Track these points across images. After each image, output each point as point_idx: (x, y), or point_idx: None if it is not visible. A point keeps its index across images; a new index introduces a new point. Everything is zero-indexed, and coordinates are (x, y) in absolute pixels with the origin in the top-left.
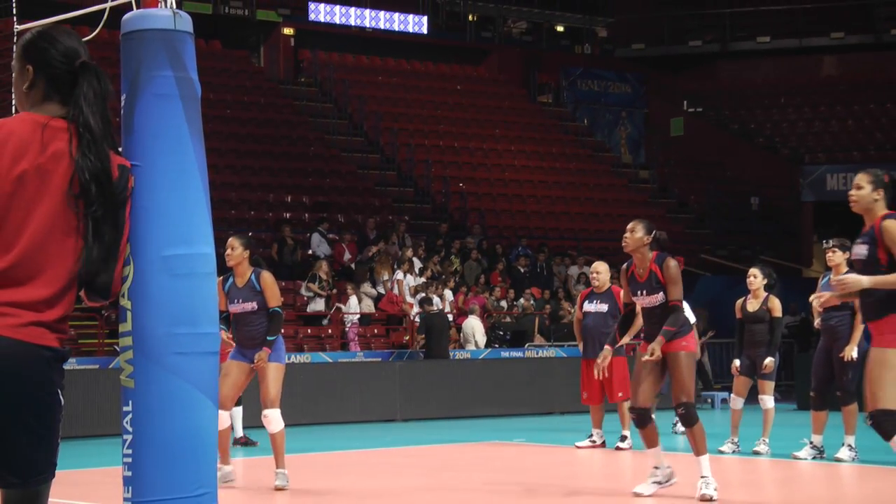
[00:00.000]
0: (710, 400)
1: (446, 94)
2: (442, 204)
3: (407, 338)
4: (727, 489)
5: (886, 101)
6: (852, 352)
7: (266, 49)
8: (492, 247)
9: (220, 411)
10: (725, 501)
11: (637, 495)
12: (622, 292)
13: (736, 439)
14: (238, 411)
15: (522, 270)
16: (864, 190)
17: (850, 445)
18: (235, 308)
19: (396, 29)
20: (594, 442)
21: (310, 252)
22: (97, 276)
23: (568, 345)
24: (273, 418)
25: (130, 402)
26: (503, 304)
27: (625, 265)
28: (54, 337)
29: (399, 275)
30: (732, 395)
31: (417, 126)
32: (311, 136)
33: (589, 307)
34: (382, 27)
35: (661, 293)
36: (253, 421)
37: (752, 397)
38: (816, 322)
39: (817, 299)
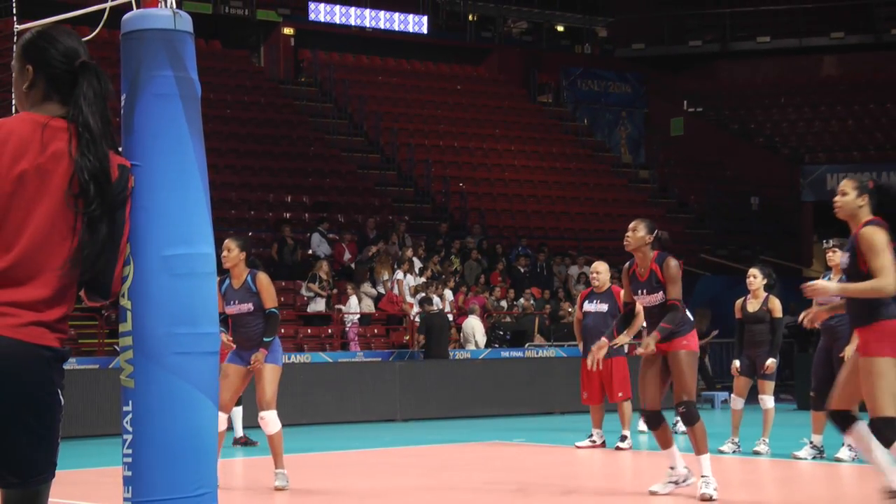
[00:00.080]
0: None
1: (446, 94)
2: (442, 204)
3: (407, 338)
4: (727, 489)
5: (886, 101)
6: (853, 352)
7: (266, 49)
8: (492, 247)
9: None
10: (725, 501)
11: (653, 493)
12: (622, 291)
13: (736, 439)
14: (238, 411)
15: (522, 270)
16: (848, 196)
17: (849, 445)
18: (232, 310)
19: (396, 29)
20: (594, 442)
21: (310, 252)
22: (95, 276)
23: (568, 345)
24: (270, 420)
25: (130, 402)
26: (503, 304)
27: (627, 264)
28: (54, 337)
29: (399, 275)
30: (733, 396)
31: (417, 126)
32: (311, 136)
33: (589, 307)
34: (382, 27)
35: (661, 292)
36: (253, 421)
37: (752, 397)
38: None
39: (807, 318)
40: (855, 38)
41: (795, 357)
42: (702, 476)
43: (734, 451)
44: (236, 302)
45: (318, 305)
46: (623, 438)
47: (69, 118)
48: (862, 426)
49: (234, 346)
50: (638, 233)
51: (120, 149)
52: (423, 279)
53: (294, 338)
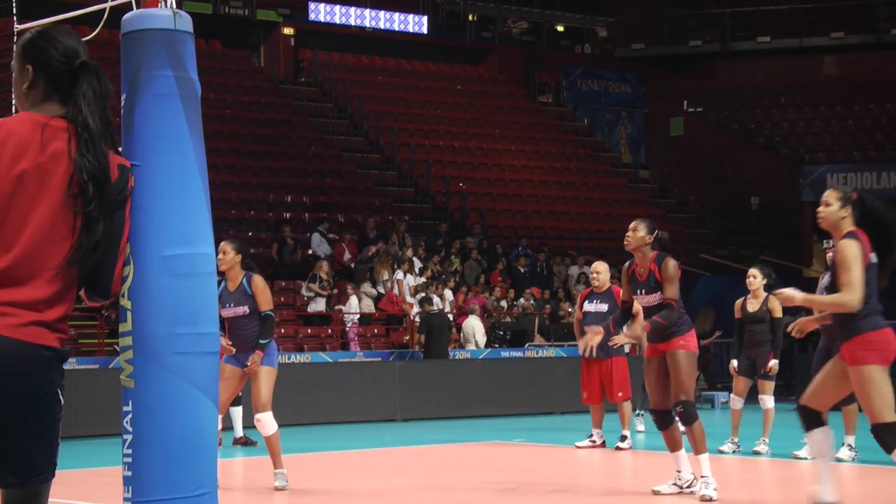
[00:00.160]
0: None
1: (446, 94)
2: (442, 204)
3: (407, 338)
4: (727, 489)
5: (886, 101)
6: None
7: (266, 49)
8: (492, 247)
9: None
10: (725, 501)
11: (656, 493)
12: (621, 290)
13: (736, 439)
14: (237, 411)
15: (522, 270)
16: (831, 207)
17: (850, 445)
18: (228, 312)
19: (396, 29)
20: (594, 442)
21: (310, 252)
22: (95, 276)
23: (568, 345)
24: (266, 422)
25: (130, 402)
26: (503, 304)
27: (626, 263)
28: (54, 337)
29: (399, 275)
30: (732, 396)
31: (417, 126)
32: (311, 136)
33: (589, 307)
34: (382, 27)
35: (660, 293)
36: (252, 421)
37: (752, 397)
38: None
39: (795, 329)
40: (855, 38)
41: (795, 357)
42: (701, 476)
43: (734, 451)
44: (232, 305)
45: (319, 305)
46: (623, 438)
47: (69, 118)
48: (821, 434)
49: (234, 349)
50: (638, 233)
51: (120, 149)
52: (423, 279)
53: (294, 338)
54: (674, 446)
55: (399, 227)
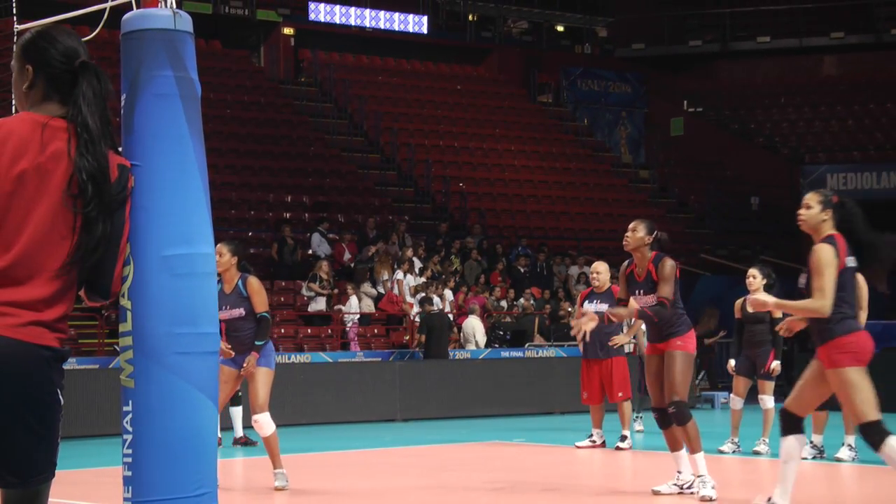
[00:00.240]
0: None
1: (446, 94)
2: (442, 204)
3: (407, 338)
4: (727, 489)
5: (886, 101)
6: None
7: (266, 49)
8: (492, 247)
9: None
10: (725, 501)
11: (656, 493)
12: (619, 289)
13: (736, 439)
14: (237, 411)
15: (522, 270)
16: (812, 210)
17: (850, 445)
18: (224, 315)
19: (396, 29)
20: (594, 442)
21: (310, 252)
22: (95, 276)
23: (568, 345)
24: (264, 423)
25: (130, 402)
26: (503, 304)
27: (625, 263)
28: (54, 336)
29: (399, 275)
30: (732, 396)
31: (417, 126)
32: (311, 136)
33: (589, 307)
34: (382, 27)
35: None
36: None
37: (752, 397)
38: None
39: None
40: (855, 38)
41: (795, 357)
42: (699, 476)
43: (734, 451)
44: (228, 307)
45: (319, 305)
46: (623, 438)
47: (69, 118)
48: (795, 440)
49: (233, 353)
50: (637, 233)
51: (120, 149)
52: (423, 279)
53: (294, 338)
54: (674, 446)
55: (399, 227)
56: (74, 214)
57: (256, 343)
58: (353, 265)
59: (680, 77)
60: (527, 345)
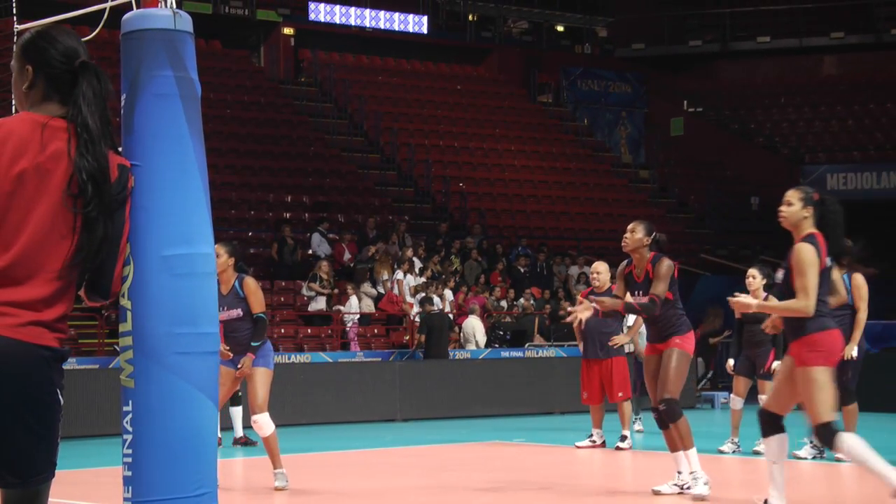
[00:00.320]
0: (710, 400)
1: (446, 94)
2: (442, 204)
3: (407, 338)
4: (727, 489)
5: (886, 101)
6: (852, 351)
7: (266, 49)
8: (492, 247)
9: None
10: (726, 501)
11: (656, 493)
12: (616, 287)
13: (736, 439)
14: (237, 411)
15: (522, 270)
16: (793, 207)
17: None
18: (221, 315)
19: (396, 29)
20: (594, 442)
21: (310, 252)
22: (95, 276)
23: (568, 345)
24: (263, 423)
25: (130, 402)
26: (503, 304)
27: (623, 263)
28: (53, 336)
29: (399, 275)
30: (732, 395)
31: (417, 126)
32: (311, 136)
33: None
34: (382, 27)
35: None
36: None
37: (752, 397)
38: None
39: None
40: (855, 38)
41: None
42: (691, 472)
43: (734, 451)
44: (225, 308)
45: (319, 305)
46: (623, 438)
47: (69, 118)
48: (778, 441)
49: (231, 354)
50: (636, 234)
51: (120, 149)
52: (423, 279)
53: (294, 338)
54: (674, 446)
55: (399, 227)
56: (74, 214)
57: (252, 344)
58: (353, 265)
59: (680, 77)
60: (527, 345)
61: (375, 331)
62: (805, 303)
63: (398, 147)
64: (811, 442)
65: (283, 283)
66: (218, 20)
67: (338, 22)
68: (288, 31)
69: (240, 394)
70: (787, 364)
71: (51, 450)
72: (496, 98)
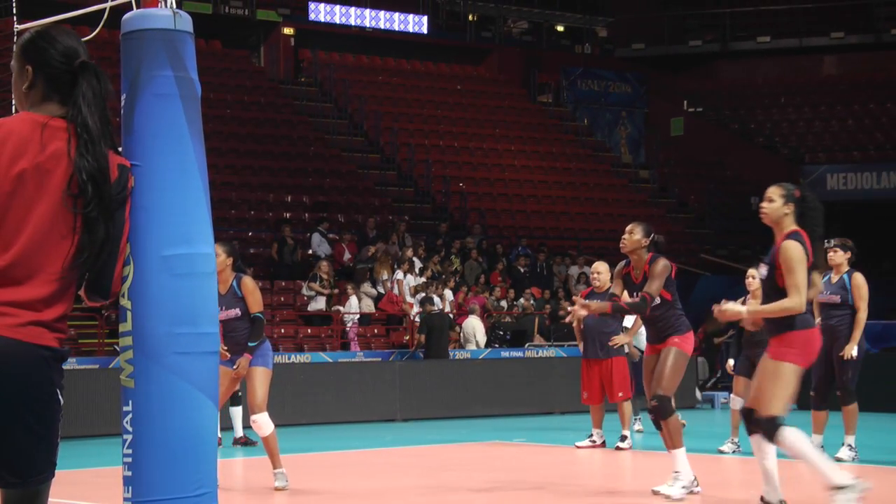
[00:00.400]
0: (710, 400)
1: (446, 94)
2: (442, 204)
3: (407, 338)
4: (727, 489)
5: (886, 101)
6: (852, 350)
7: (266, 49)
8: (492, 247)
9: None
10: (726, 501)
11: (656, 493)
12: (614, 286)
13: (736, 439)
14: (237, 411)
15: (522, 270)
16: (775, 203)
17: (850, 445)
18: (220, 315)
19: (396, 29)
20: (594, 442)
21: (310, 252)
22: (95, 276)
23: (568, 345)
24: (262, 422)
25: (130, 402)
26: (503, 304)
27: (622, 263)
28: (53, 336)
29: (399, 275)
30: (732, 396)
31: (417, 126)
32: (311, 136)
33: None
34: (382, 27)
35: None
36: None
37: None
38: (816, 322)
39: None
40: (855, 38)
41: None
42: (673, 472)
43: (734, 451)
44: (223, 308)
45: (319, 305)
46: (623, 438)
47: (68, 118)
48: (762, 437)
49: (229, 354)
50: (634, 235)
51: (120, 149)
52: (423, 279)
53: (294, 338)
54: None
55: (399, 227)
56: (74, 215)
57: (249, 344)
58: (353, 265)
59: (680, 77)
60: (527, 345)
61: (375, 331)
62: (798, 300)
63: (398, 147)
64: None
65: (283, 283)
66: (218, 20)
67: (338, 22)
68: (288, 31)
69: (240, 394)
70: (765, 362)
71: (51, 450)
72: (496, 98)
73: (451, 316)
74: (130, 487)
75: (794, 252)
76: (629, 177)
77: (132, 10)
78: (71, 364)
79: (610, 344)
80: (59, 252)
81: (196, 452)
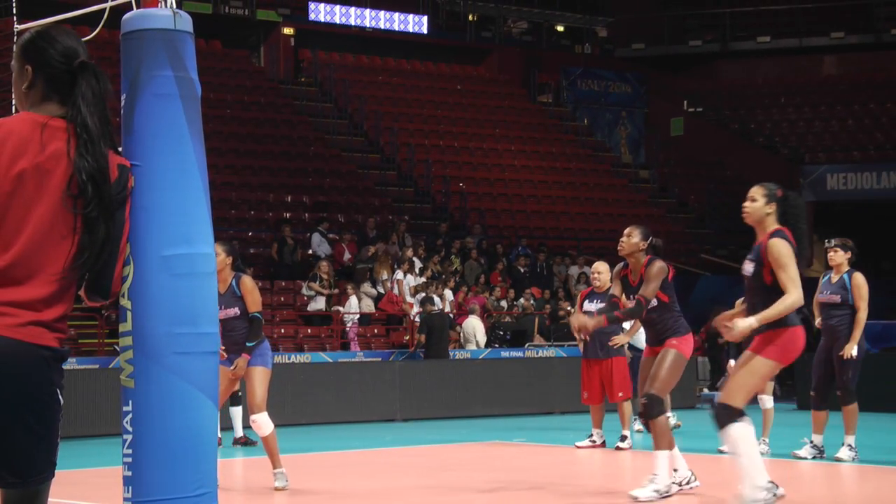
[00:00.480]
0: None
1: (446, 94)
2: (442, 204)
3: (407, 338)
4: (727, 489)
5: (886, 101)
6: (852, 350)
7: (266, 49)
8: (492, 247)
9: None
10: (726, 501)
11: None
12: (613, 286)
13: None
14: (237, 411)
15: (522, 270)
16: (757, 203)
17: (850, 445)
18: (219, 314)
19: (396, 29)
20: (594, 442)
21: (310, 252)
22: (95, 276)
23: (568, 345)
24: (262, 422)
25: (130, 402)
26: (503, 303)
27: (620, 264)
28: (53, 336)
29: (399, 275)
30: None
31: (417, 126)
32: (311, 136)
33: (589, 307)
34: (382, 27)
35: (654, 298)
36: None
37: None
38: (817, 322)
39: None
40: (855, 38)
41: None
42: (652, 473)
43: None
44: (223, 307)
45: (319, 305)
46: (623, 438)
47: (68, 118)
48: (737, 428)
49: (227, 354)
50: (632, 238)
51: (120, 149)
52: (423, 279)
53: (294, 338)
54: (668, 446)
55: (399, 227)
56: (74, 215)
57: (247, 344)
58: (353, 265)
59: (680, 77)
60: (527, 345)
61: (375, 331)
62: (796, 294)
63: (398, 147)
64: (811, 442)
65: (283, 283)
66: (218, 20)
67: (338, 22)
68: (288, 31)
69: (240, 394)
70: (747, 357)
71: (51, 450)
72: (496, 98)
73: (451, 316)
74: (130, 487)
75: (783, 248)
76: (629, 177)
77: (132, 10)
78: (71, 364)
79: (610, 344)
80: (59, 252)
81: (196, 452)
